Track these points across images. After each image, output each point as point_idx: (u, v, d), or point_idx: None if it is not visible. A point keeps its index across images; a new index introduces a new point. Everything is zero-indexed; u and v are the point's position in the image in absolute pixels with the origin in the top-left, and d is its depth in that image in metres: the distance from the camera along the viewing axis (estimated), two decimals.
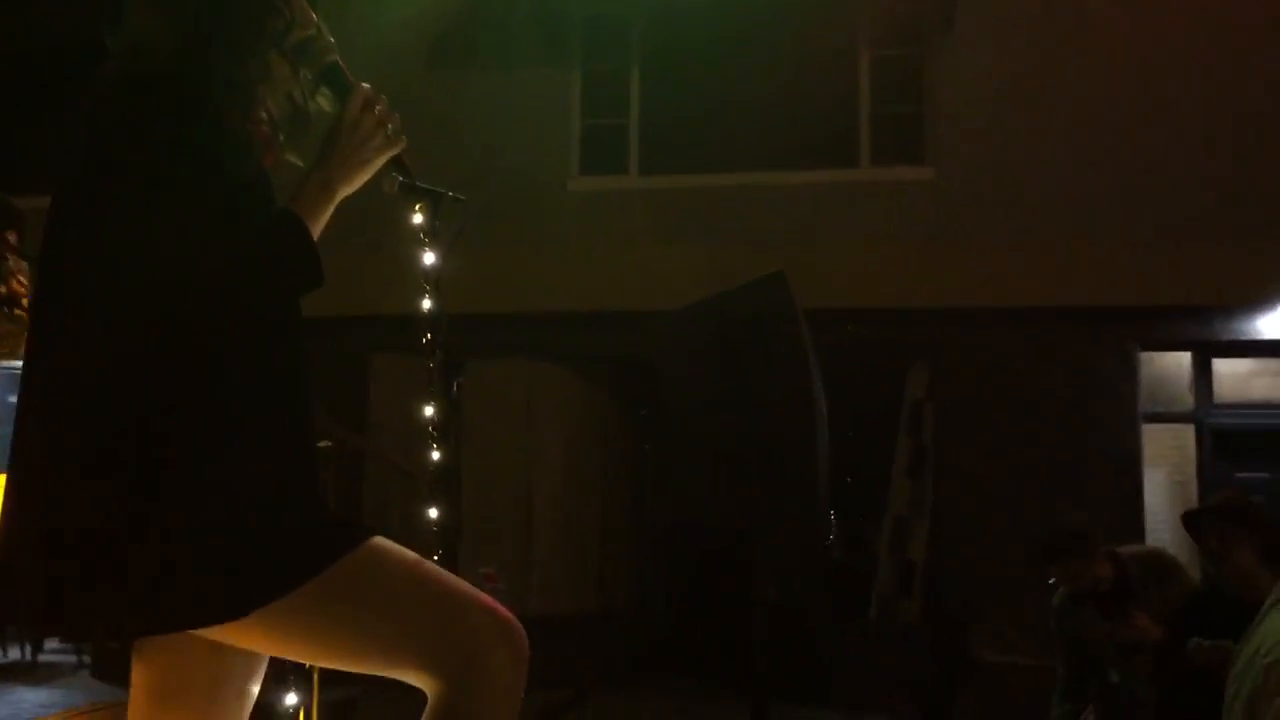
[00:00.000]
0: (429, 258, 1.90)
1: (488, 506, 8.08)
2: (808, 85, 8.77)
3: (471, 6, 9.05)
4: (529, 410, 8.52)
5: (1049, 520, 4.45)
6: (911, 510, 8.31)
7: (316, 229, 1.66)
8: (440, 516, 1.89)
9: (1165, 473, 8.52)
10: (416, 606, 1.60)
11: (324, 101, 1.78)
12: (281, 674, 3.24)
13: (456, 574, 1.70)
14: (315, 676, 3.41)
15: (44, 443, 1.55)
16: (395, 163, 1.78)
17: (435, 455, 1.94)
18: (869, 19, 8.75)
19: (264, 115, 1.75)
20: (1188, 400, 8.45)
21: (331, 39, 1.76)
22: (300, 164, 1.76)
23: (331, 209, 1.69)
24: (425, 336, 1.92)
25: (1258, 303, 7.93)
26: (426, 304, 1.92)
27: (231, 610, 1.50)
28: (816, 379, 3.52)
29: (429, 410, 1.94)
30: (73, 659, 7.40)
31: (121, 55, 1.65)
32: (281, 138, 1.76)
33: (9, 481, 1.55)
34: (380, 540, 1.62)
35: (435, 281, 1.91)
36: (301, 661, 2.66)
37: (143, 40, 1.65)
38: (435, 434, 1.94)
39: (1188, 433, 8.36)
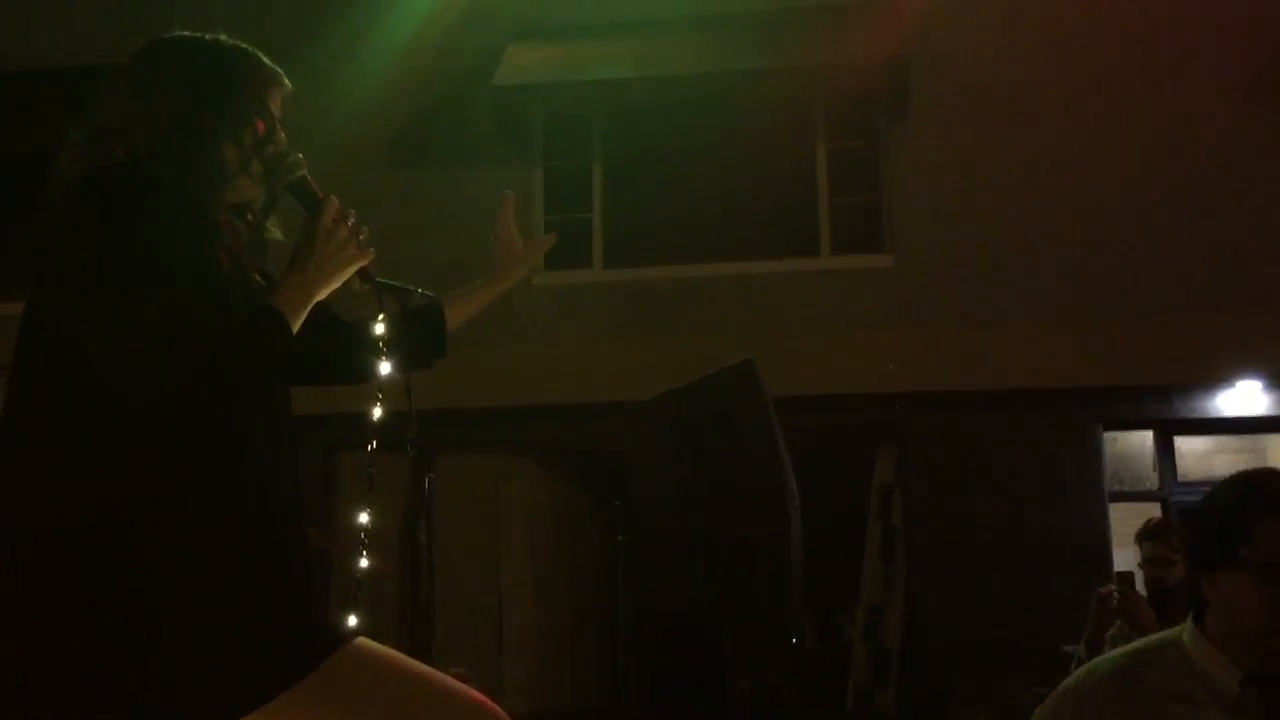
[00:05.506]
0: (386, 368, 1.92)
1: (459, 601, 7.97)
2: (767, 177, 8.92)
3: (430, 105, 9.18)
4: (499, 504, 8.45)
5: (1018, 603, 4.48)
6: (884, 596, 8.27)
7: (296, 326, 1.68)
8: (359, 623, 1.83)
9: (1134, 551, 8.54)
10: (406, 706, 1.57)
11: (275, 230, 1.82)
12: None
13: None
14: None
15: (7, 552, 1.51)
16: (362, 273, 1.82)
17: (364, 562, 1.91)
18: (825, 112, 8.94)
19: (232, 217, 1.77)
20: (1152, 479, 8.52)
21: (300, 155, 1.81)
22: (262, 282, 1.79)
23: (308, 311, 1.71)
24: (370, 444, 1.92)
25: (1216, 380, 8.04)
26: (377, 411, 1.92)
27: None
28: (788, 468, 3.53)
29: (364, 517, 1.93)
30: None
31: (84, 143, 1.66)
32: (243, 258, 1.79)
33: None
34: (364, 641, 1.60)
35: (408, 388, 1.93)
36: None
37: (116, 125, 1.66)
38: (366, 541, 1.92)
39: (1154, 511, 8.41)
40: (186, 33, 1.81)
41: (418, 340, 2.06)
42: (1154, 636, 2.14)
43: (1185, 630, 2.05)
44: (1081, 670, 2.10)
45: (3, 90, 8.89)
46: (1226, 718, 1.89)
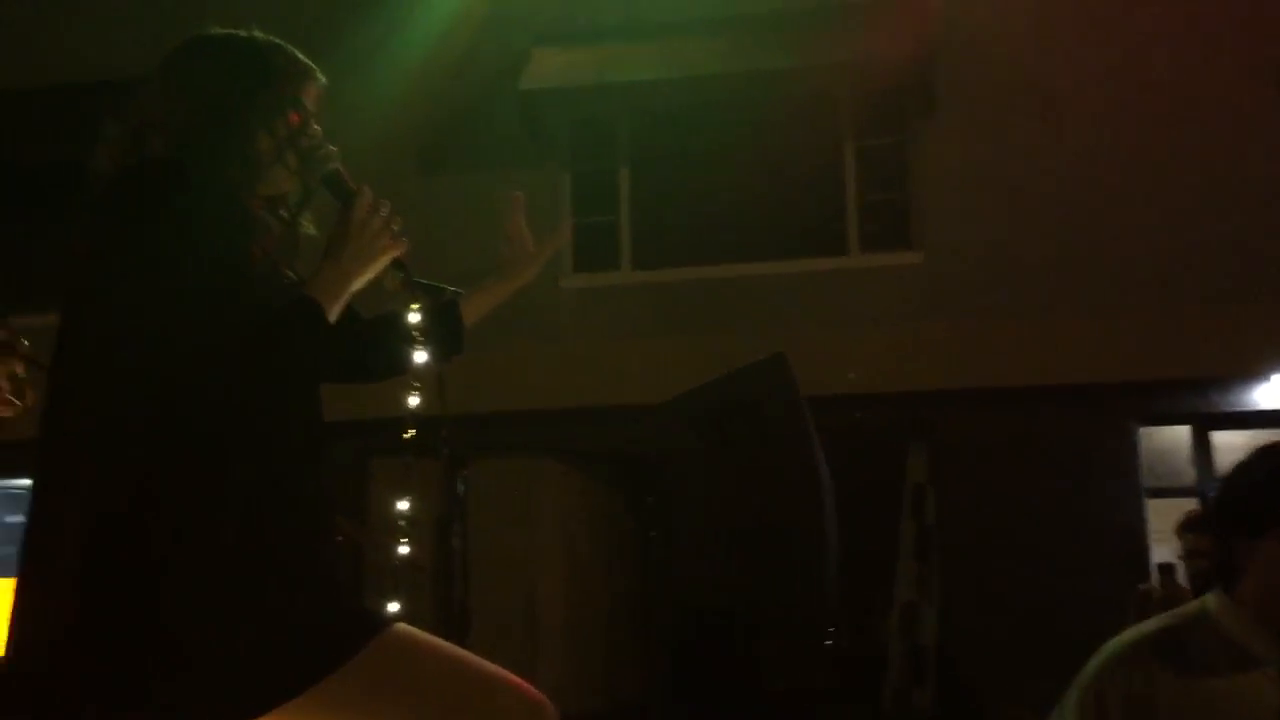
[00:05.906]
0: (421, 356, 1.93)
1: (493, 604, 7.99)
2: (794, 176, 8.90)
3: (459, 111, 9.21)
4: (531, 507, 8.47)
5: (1055, 600, 4.45)
6: (919, 595, 8.22)
7: (332, 317, 1.68)
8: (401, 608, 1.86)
9: (1171, 547, 8.46)
10: (446, 691, 1.59)
11: (309, 225, 1.84)
12: None
13: None
14: None
15: (49, 546, 1.53)
16: (395, 263, 1.83)
17: (403, 549, 1.94)
18: (852, 110, 8.91)
19: (265, 212, 1.79)
20: (1189, 474, 8.43)
21: (333, 148, 1.82)
22: (294, 277, 1.80)
23: (345, 300, 1.72)
24: (407, 432, 1.92)
25: (1253, 374, 7.95)
26: (414, 400, 1.93)
27: (244, 711, 1.47)
28: (821, 461, 3.51)
29: (403, 504, 1.94)
30: None
31: (121, 138, 1.68)
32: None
33: (19, 586, 1.54)
34: (403, 626, 1.61)
35: (441, 381, 1.94)
36: None
37: (152, 120, 1.68)
38: (408, 528, 1.94)
39: (1191, 506, 8.31)
40: (221, 30, 1.83)
41: (440, 335, 2.08)
42: (1179, 611, 2.09)
43: (1213, 602, 2.01)
44: (1122, 644, 2.02)
45: (38, 104, 9.00)
46: (1269, 688, 1.87)
